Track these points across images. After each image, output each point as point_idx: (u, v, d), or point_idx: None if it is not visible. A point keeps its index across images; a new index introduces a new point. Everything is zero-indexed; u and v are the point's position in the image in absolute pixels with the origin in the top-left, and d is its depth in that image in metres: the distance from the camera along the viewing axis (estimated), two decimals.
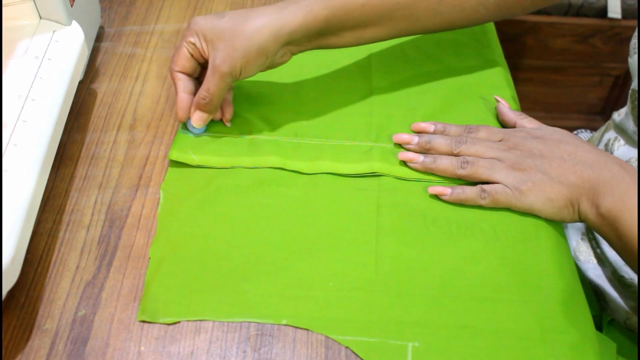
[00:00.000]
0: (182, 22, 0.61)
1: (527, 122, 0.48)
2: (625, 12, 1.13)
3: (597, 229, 0.42)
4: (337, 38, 0.47)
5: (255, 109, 0.51)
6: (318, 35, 0.46)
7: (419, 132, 0.48)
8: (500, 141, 0.46)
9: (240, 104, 0.51)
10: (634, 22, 1.14)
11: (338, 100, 0.52)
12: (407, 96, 0.53)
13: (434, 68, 0.56)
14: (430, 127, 0.48)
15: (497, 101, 0.51)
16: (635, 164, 0.53)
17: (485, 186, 0.44)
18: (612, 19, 1.14)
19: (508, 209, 0.44)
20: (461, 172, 0.45)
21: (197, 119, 0.47)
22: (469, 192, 0.44)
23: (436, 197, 0.45)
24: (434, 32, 0.51)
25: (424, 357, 0.37)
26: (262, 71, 0.47)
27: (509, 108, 0.50)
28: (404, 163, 0.46)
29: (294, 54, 0.48)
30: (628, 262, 0.42)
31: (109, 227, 0.43)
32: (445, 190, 0.44)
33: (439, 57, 0.57)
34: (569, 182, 0.42)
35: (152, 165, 0.47)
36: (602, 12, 1.14)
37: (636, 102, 0.53)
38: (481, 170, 0.44)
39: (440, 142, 0.46)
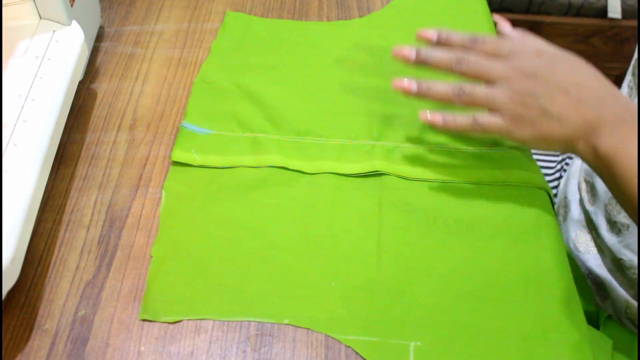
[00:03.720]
0: (182, 22, 0.61)
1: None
2: (625, 12, 1.13)
3: (592, 167, 0.41)
4: None
5: (258, 109, 0.51)
6: None
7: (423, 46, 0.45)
8: (505, 57, 0.43)
9: (243, 103, 0.51)
10: (634, 22, 1.14)
11: (340, 99, 0.52)
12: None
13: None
14: (434, 36, 0.45)
15: (497, 23, 0.48)
16: None
17: (478, 117, 0.42)
18: (612, 19, 1.14)
19: (508, 207, 0.44)
20: (458, 101, 0.43)
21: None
22: (460, 122, 0.42)
23: (437, 196, 0.44)
24: None
25: (425, 356, 0.37)
26: None
27: (510, 28, 0.46)
28: (404, 162, 0.46)
29: None
30: (622, 204, 0.41)
31: (109, 227, 0.43)
32: (437, 118, 0.43)
33: None
34: (569, 121, 0.40)
35: (152, 165, 0.47)
36: (602, 12, 1.14)
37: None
38: (479, 101, 0.42)
39: (440, 58, 0.43)
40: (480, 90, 0.42)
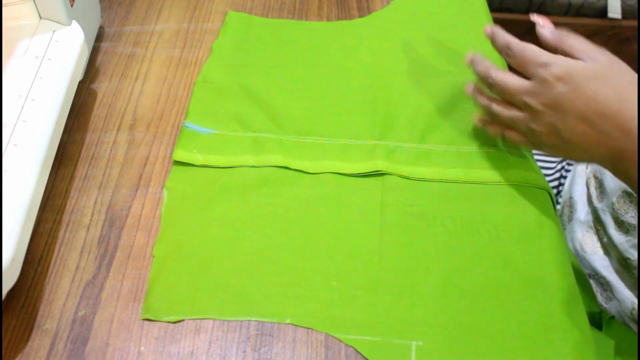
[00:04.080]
0: (182, 22, 0.61)
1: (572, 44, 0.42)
2: (625, 12, 1.13)
3: (627, 185, 0.41)
4: None
5: (259, 108, 0.51)
6: None
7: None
8: (540, 69, 0.41)
9: (245, 102, 0.51)
10: (634, 22, 1.14)
11: (341, 99, 0.52)
12: (410, 95, 0.53)
13: (437, 67, 0.56)
14: (488, 31, 0.48)
15: (537, 23, 0.46)
16: None
17: (506, 134, 0.46)
18: (612, 19, 1.14)
19: (510, 207, 0.44)
20: (489, 115, 0.47)
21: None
22: (491, 131, 0.47)
23: (439, 196, 0.44)
24: None
25: (427, 356, 0.37)
26: None
27: (550, 30, 0.45)
28: (406, 162, 0.46)
29: None
30: None
31: (109, 227, 0.43)
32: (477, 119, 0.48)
33: (442, 56, 0.57)
34: (591, 151, 0.40)
35: (152, 165, 0.47)
36: (602, 12, 1.14)
37: None
38: (504, 120, 0.45)
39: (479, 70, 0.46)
40: (506, 113, 0.44)
